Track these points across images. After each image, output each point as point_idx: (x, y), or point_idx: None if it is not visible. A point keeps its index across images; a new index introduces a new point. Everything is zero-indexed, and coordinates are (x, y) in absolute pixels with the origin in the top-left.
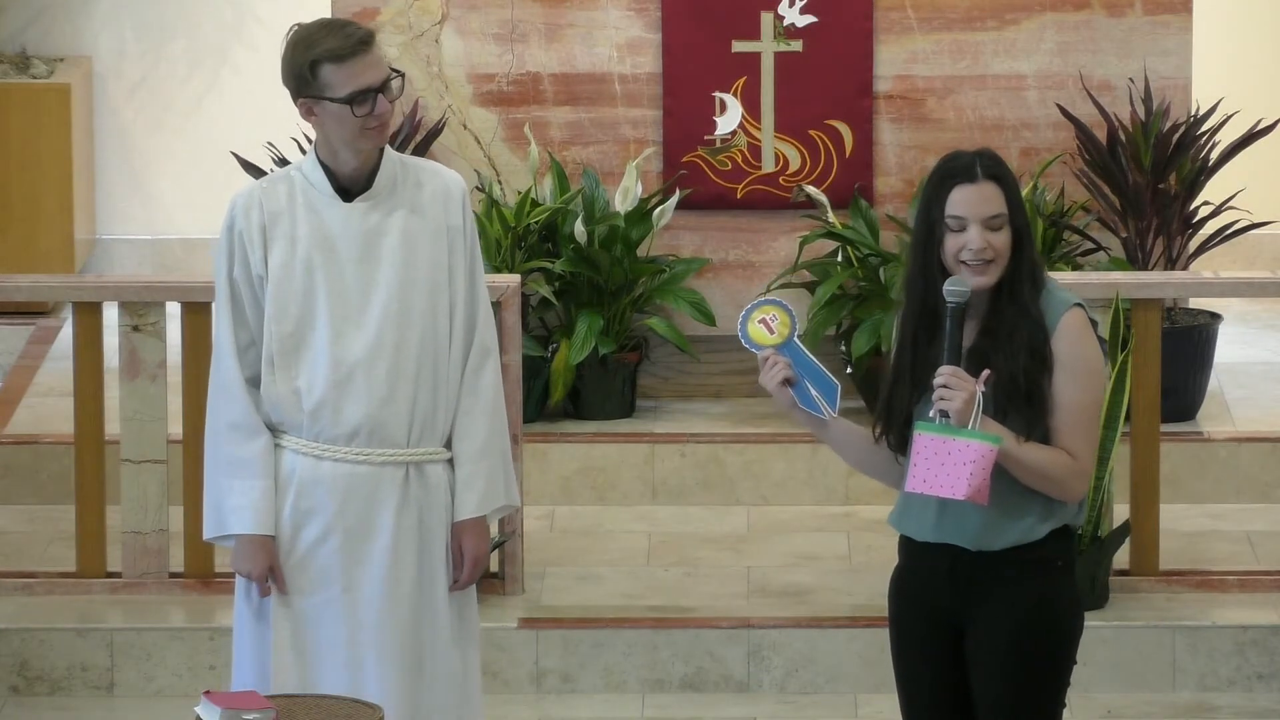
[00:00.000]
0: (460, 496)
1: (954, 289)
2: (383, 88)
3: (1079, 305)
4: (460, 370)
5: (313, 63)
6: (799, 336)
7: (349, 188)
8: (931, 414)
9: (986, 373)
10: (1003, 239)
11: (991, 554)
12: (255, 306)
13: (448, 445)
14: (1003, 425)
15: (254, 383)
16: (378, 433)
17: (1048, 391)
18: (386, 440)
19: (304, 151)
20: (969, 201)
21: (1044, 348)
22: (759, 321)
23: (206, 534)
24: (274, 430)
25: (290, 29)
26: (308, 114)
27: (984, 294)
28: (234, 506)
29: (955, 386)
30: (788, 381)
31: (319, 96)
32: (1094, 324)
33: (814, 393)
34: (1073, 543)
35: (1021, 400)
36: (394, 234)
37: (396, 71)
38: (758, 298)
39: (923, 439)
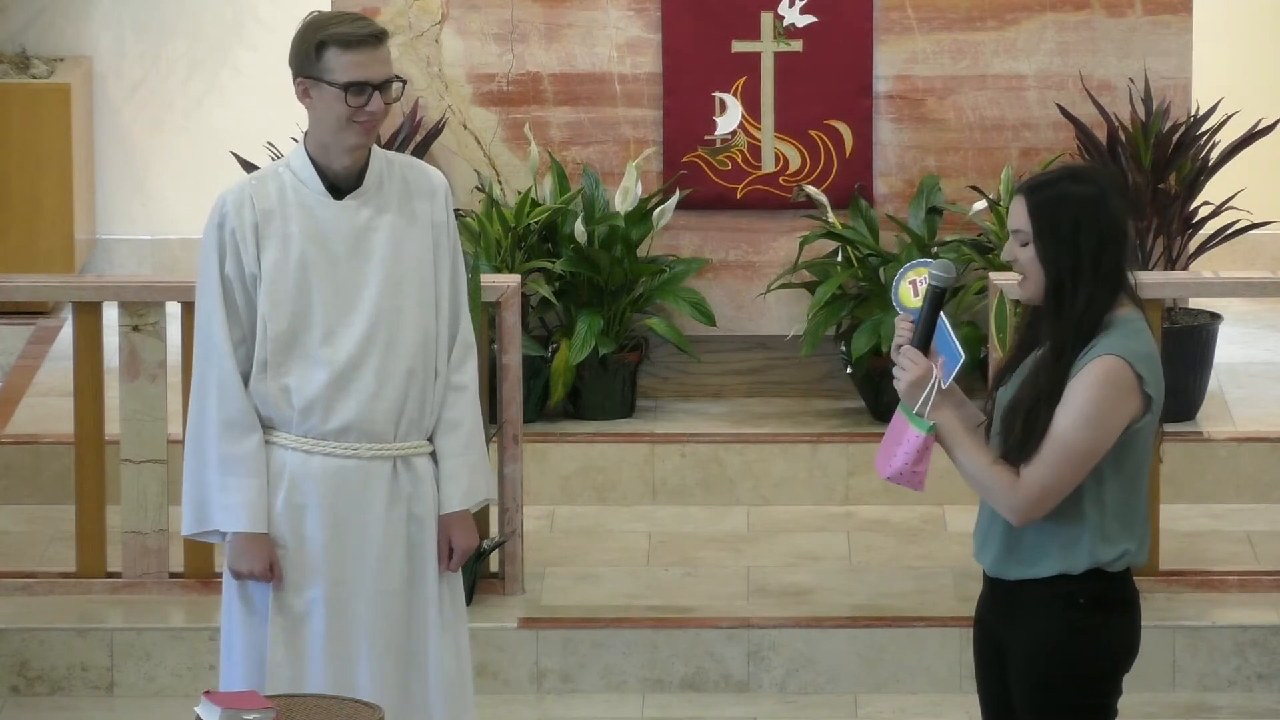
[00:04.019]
0: (446, 490)
1: (939, 273)
2: (381, 86)
3: (1119, 356)
4: (445, 365)
5: (320, 43)
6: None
7: (339, 185)
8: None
9: (942, 359)
10: (1026, 255)
11: (1010, 583)
12: (247, 304)
13: (431, 438)
14: (959, 423)
15: (244, 380)
16: (367, 429)
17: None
18: (375, 436)
19: None
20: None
21: (1061, 388)
22: (909, 282)
23: (186, 529)
24: (262, 426)
25: (310, 13)
26: (303, 95)
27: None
28: (228, 505)
29: (906, 367)
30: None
31: (318, 78)
32: (1140, 379)
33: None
34: (1108, 582)
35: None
36: (383, 230)
37: (400, 78)
38: (915, 259)
39: (894, 416)
